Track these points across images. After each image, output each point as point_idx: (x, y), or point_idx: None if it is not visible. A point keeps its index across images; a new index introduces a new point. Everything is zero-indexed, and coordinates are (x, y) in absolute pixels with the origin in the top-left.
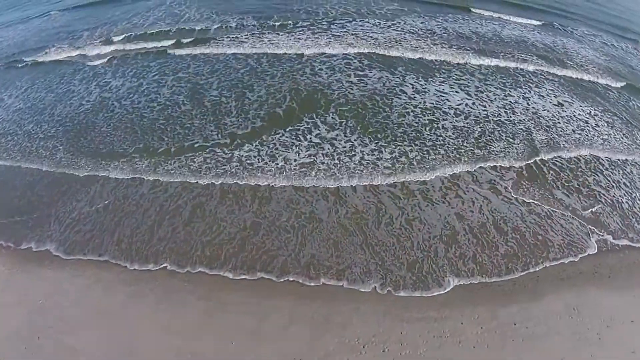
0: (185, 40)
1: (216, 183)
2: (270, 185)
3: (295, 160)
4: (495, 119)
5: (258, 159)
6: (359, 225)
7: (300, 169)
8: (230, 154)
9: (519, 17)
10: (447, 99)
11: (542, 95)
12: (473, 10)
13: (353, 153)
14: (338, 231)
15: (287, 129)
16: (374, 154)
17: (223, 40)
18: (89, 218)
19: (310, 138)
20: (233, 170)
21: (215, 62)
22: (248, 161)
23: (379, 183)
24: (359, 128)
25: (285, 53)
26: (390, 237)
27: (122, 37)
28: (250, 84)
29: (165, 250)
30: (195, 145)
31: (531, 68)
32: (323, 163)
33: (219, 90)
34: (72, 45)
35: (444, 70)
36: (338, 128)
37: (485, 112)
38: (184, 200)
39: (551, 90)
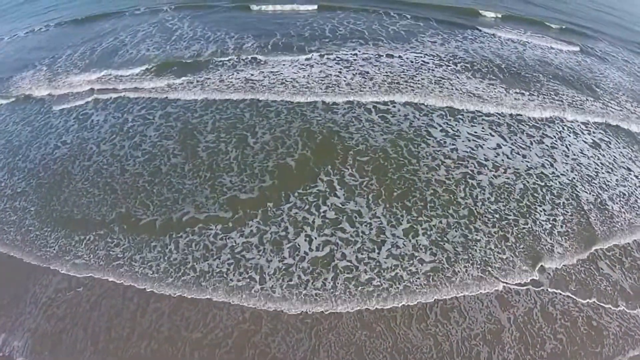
0: (175, 69)
1: (196, 299)
2: (275, 310)
3: (305, 253)
4: (536, 171)
5: (258, 250)
6: (386, 320)
7: (313, 269)
8: (223, 239)
9: (537, 34)
10: (480, 145)
11: (576, 133)
12: (487, 30)
13: (381, 238)
14: (362, 330)
15: (299, 193)
16: (408, 240)
17: (219, 66)
18: (63, 302)
19: (326, 211)
20: (223, 269)
21: (210, 94)
22: (245, 253)
23: (420, 301)
24: (383, 192)
25: (291, 83)
26: (426, 337)
27: (105, 62)
28: (252, 123)
29: (147, 354)
30: (184, 219)
31: (561, 99)
32: (343, 257)
33: (215, 133)
34: (50, 69)
35: (473, 103)
36: (359, 193)
37: (524, 162)
38: (174, 277)
39: (584, 124)
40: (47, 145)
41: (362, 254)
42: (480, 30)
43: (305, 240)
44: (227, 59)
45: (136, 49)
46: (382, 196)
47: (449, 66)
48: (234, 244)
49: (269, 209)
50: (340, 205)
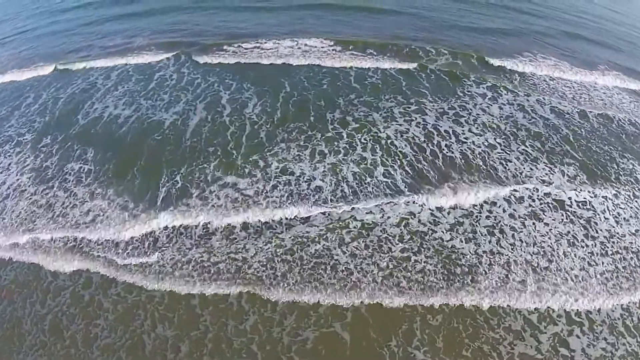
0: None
1: None
2: None
3: None
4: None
5: None
6: None
7: None
8: None
9: (589, 82)
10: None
11: None
12: (535, 79)
13: None
14: None
15: None
16: None
17: (211, 186)
18: None
19: None
20: None
21: (201, 191)
22: None
23: None
24: None
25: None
26: None
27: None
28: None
29: None
30: None
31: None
32: None
33: (216, 258)
34: None
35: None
36: None
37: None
38: None
39: None
40: None
41: None
42: (529, 80)
43: None
44: (224, 140)
45: (102, 106)
46: None
47: (517, 146)
48: None
49: None
50: None
